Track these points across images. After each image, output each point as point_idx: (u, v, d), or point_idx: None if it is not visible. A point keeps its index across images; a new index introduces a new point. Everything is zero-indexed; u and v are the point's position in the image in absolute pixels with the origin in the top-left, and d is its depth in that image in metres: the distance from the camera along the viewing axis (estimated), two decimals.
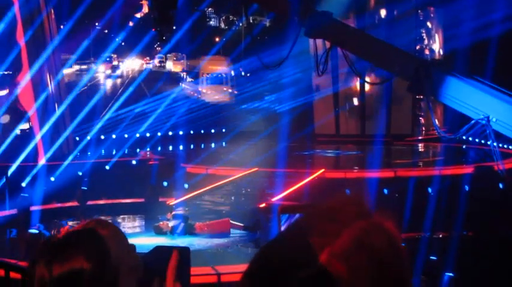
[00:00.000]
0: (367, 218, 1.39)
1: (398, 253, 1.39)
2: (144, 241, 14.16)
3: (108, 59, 59.03)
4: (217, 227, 16.90)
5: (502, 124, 11.87)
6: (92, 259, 2.05)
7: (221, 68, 58.08)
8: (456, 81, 11.77)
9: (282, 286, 1.33)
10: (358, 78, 26.80)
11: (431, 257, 13.80)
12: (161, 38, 15.31)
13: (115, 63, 60.91)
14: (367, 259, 1.33)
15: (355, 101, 34.98)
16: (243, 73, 56.04)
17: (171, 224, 16.45)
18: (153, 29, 15.16)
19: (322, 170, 23.05)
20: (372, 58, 12.62)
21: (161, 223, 16.73)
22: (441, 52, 35.82)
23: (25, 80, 23.37)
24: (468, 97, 12.07)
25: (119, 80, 55.02)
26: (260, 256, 1.43)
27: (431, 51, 36.49)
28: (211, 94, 50.69)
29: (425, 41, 36.63)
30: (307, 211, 1.49)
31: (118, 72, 55.71)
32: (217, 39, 76.64)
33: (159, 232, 16.33)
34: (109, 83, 53.28)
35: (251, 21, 42.71)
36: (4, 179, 19.07)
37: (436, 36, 36.45)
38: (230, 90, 52.20)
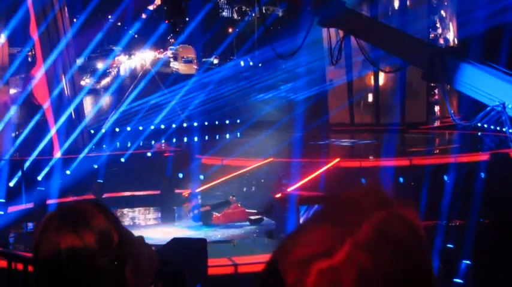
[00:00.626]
0: (388, 207, 1.39)
1: (421, 242, 1.39)
2: (160, 233, 14.20)
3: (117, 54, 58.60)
4: (233, 217, 16.94)
5: None
6: (112, 221, 2.09)
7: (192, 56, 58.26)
8: (471, 68, 11.73)
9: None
10: (372, 67, 26.69)
11: (448, 245, 13.79)
12: (175, 30, 15.32)
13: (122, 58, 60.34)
14: (390, 249, 1.32)
15: (370, 90, 34.91)
16: (251, 63, 56.28)
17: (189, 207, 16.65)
18: (166, 21, 15.15)
19: (338, 159, 23.03)
20: (386, 46, 12.60)
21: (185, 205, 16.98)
22: (455, 39, 35.63)
23: (39, 74, 23.46)
24: (483, 84, 12.03)
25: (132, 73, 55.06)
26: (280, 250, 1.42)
27: (446, 38, 36.31)
28: None
29: (439, 28, 36.43)
30: (326, 202, 1.49)
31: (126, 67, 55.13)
32: (230, 30, 76.58)
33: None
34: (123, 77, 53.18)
35: (264, 11, 42.63)
36: (20, 173, 19.20)
37: (450, 23, 36.25)
38: None
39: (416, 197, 16.39)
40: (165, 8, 14.55)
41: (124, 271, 2.10)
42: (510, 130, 15.95)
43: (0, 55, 24.42)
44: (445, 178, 19.21)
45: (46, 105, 23.53)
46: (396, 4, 33.17)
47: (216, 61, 64.64)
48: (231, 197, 17.71)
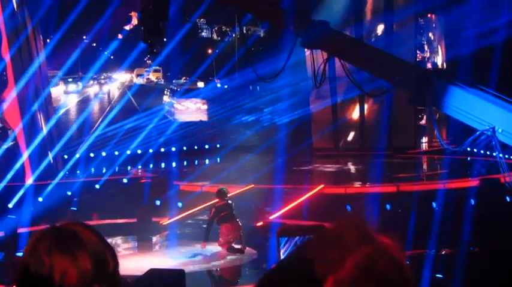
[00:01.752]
0: (371, 243, 1.39)
1: (405, 277, 1.39)
2: (137, 263, 14.09)
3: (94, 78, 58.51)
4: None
5: (508, 135, 11.92)
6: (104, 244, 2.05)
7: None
8: (459, 91, 11.85)
9: None
10: (358, 90, 26.84)
11: (437, 275, 13.80)
12: (152, 51, 15.27)
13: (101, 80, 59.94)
14: (373, 285, 1.33)
15: (355, 114, 35.04)
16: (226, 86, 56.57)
17: None
18: (143, 42, 15.08)
19: (322, 185, 23.08)
20: (371, 68, 12.67)
21: None
22: (443, 61, 35.91)
23: (11, 96, 23.35)
24: (472, 107, 12.14)
25: (107, 96, 55.11)
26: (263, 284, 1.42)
27: (434, 62, 36.58)
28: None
29: (427, 50, 36.70)
30: (308, 237, 1.49)
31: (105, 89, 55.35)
32: (209, 51, 76.87)
33: None
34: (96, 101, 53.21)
35: (245, 31, 42.72)
36: None
37: (438, 44, 36.56)
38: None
39: (403, 225, 16.43)
40: (142, 28, 14.51)
41: None
42: (500, 155, 16.05)
43: None
44: (434, 204, 19.27)
45: (18, 129, 23.40)
46: (382, 25, 33.39)
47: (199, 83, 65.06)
48: None
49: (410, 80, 12.52)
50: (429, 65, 35.87)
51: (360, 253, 1.36)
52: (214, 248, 17.18)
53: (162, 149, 33.11)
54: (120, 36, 56.15)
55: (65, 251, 1.98)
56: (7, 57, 23.47)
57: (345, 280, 1.31)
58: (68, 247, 1.99)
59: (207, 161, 31.99)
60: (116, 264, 2.06)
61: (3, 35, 23.26)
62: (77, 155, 28.74)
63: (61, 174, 24.00)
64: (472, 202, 18.84)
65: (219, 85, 59.54)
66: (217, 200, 17.01)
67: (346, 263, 1.34)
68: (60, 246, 2.00)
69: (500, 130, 11.42)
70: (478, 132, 13.92)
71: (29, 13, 24.44)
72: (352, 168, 30.59)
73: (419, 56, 35.92)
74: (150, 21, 13.95)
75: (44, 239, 2.04)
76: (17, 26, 23.58)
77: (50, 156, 24.24)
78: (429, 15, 35.57)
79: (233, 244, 16.87)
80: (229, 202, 17.08)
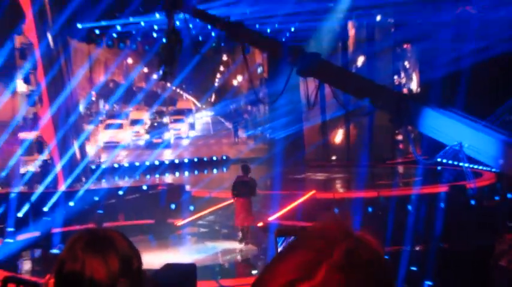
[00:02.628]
0: (351, 236, 1.40)
1: (383, 262, 1.41)
2: (154, 259, 14.11)
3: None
4: None
5: (473, 149, 11.97)
6: (133, 249, 2.10)
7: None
8: (432, 112, 11.90)
9: None
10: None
11: (412, 268, 13.79)
12: (165, 78, 15.22)
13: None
14: (360, 268, 1.35)
15: (342, 129, 35.03)
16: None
17: None
18: (159, 70, 15.02)
19: (313, 191, 23.04)
20: (356, 93, 12.70)
21: None
22: (417, 85, 35.88)
23: (46, 116, 23.43)
24: (443, 126, 12.18)
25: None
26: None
27: (408, 84, 36.54)
28: None
29: (403, 76, 36.70)
30: (299, 233, 1.49)
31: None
32: (218, 75, 76.69)
33: None
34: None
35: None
36: (28, 205, 19.07)
37: (412, 70, 36.54)
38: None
39: (383, 225, 16.44)
40: (159, 58, 14.46)
41: None
42: (466, 165, 16.08)
43: (11, 107, 24.43)
44: (409, 207, 19.25)
45: (52, 144, 23.46)
46: (364, 55, 33.43)
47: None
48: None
49: (390, 105, 12.55)
50: (405, 90, 35.82)
51: (345, 243, 1.37)
52: (221, 245, 17.22)
53: (176, 161, 33.13)
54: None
55: (97, 252, 2.04)
56: (43, 82, 23.56)
57: (337, 264, 1.31)
58: (100, 248, 2.05)
59: (214, 171, 32.00)
60: (140, 263, 2.12)
61: (39, 63, 23.36)
62: (103, 166, 28.79)
63: (89, 182, 24.01)
64: (442, 205, 18.82)
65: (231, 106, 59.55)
66: (242, 174, 17.34)
67: (335, 252, 1.35)
68: (93, 247, 2.05)
69: (466, 145, 11.47)
70: (447, 147, 13.93)
71: (62, 45, 24.52)
72: (339, 176, 30.55)
73: (396, 80, 35.89)
74: (166, 55, 13.93)
75: (80, 240, 2.10)
76: (51, 56, 23.65)
77: (79, 167, 24.29)
78: (405, 46, 35.58)
79: (243, 231, 17.09)
80: (248, 177, 17.22)
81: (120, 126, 44.43)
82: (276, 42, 14.20)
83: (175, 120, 51.00)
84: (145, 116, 50.84)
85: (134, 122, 46.99)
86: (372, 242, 1.41)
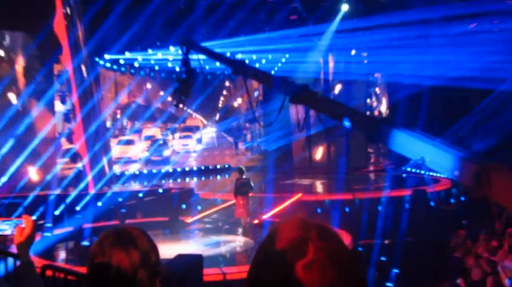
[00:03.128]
0: (315, 227, 1.40)
1: (353, 254, 1.40)
2: (168, 250, 14.05)
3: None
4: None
5: (433, 163, 12.04)
6: (152, 245, 2.11)
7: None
8: (399, 133, 11.93)
9: None
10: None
11: (382, 258, 13.76)
12: (178, 105, 15.07)
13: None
14: (334, 243, 1.35)
15: (324, 142, 34.99)
16: None
17: None
18: (173, 98, 14.83)
19: (300, 194, 23.03)
20: (337, 118, 12.71)
21: None
22: (386, 106, 35.83)
23: (79, 131, 23.40)
24: (408, 144, 12.20)
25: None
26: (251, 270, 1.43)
27: (379, 107, 36.49)
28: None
29: (374, 99, 36.67)
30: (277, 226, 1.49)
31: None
32: (222, 98, 76.71)
33: None
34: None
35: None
36: (64, 205, 19.03)
37: (382, 95, 36.52)
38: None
39: (358, 223, 16.41)
40: (176, 88, 14.33)
41: (156, 283, 2.11)
42: (427, 173, 16.08)
43: (53, 129, 24.39)
44: (379, 208, 19.24)
45: (85, 160, 23.34)
46: (340, 83, 33.38)
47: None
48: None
49: (365, 128, 12.56)
50: (376, 112, 35.80)
51: (315, 229, 1.38)
52: (223, 238, 17.16)
53: (187, 169, 33.09)
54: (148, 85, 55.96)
55: (122, 246, 2.06)
56: (76, 103, 23.54)
57: (318, 243, 1.33)
58: (125, 243, 2.07)
59: (218, 177, 31.94)
60: (157, 256, 2.14)
61: (73, 87, 23.35)
62: (126, 173, 28.74)
63: (115, 186, 23.97)
64: (406, 205, 18.82)
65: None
66: (238, 176, 18.17)
67: (311, 236, 1.36)
68: (119, 242, 2.07)
69: (427, 159, 11.55)
70: (412, 161, 13.95)
71: (92, 71, 24.56)
72: (321, 182, 30.52)
73: (369, 103, 35.94)
74: (182, 87, 13.91)
75: (108, 237, 2.11)
76: (83, 81, 23.69)
77: (108, 175, 24.25)
78: (376, 75, 35.58)
79: (244, 223, 17.78)
80: (244, 178, 18.02)
81: (129, 142, 39.57)
82: (271, 77, 14.27)
83: (185, 137, 48.63)
84: (158, 133, 47.39)
85: (147, 138, 43.37)
86: (331, 228, 1.43)
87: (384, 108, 35.80)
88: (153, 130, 47.83)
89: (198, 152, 45.73)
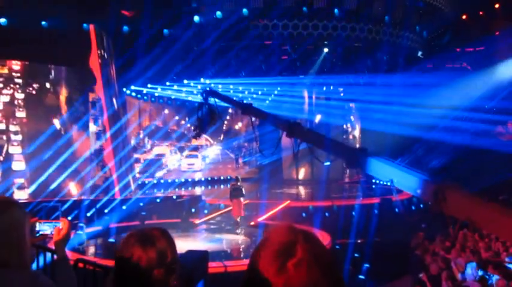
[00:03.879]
0: (302, 232, 1.39)
1: (333, 255, 1.39)
2: (180, 246, 13.95)
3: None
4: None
5: (399, 183, 12.26)
6: (171, 245, 2.05)
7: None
8: (372, 160, 12.14)
9: None
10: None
11: (355, 255, 13.66)
12: (196, 137, 14.96)
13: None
14: (318, 246, 1.34)
15: (309, 158, 34.85)
16: None
17: None
18: (194, 131, 14.69)
19: (288, 201, 22.96)
20: (323, 148, 12.86)
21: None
22: (359, 131, 35.51)
23: (109, 148, 23.31)
24: (379, 169, 12.40)
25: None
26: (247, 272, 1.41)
27: (353, 132, 36.02)
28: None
29: (349, 126, 36.25)
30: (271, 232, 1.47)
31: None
32: (226, 122, 76.66)
33: None
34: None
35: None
36: (94, 208, 18.90)
37: (356, 122, 36.16)
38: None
39: (336, 225, 16.32)
40: (197, 123, 14.36)
41: (170, 280, 2.05)
42: (394, 186, 15.95)
43: (87, 147, 24.29)
44: (353, 213, 19.17)
45: (114, 176, 23.21)
46: (320, 114, 33.29)
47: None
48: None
49: (345, 156, 12.76)
50: (351, 136, 35.44)
51: (301, 234, 1.37)
52: (225, 236, 17.04)
53: (196, 179, 32.95)
54: (166, 111, 55.91)
55: (142, 245, 2.01)
56: (107, 125, 23.50)
57: (304, 244, 1.33)
58: (145, 242, 2.01)
59: (222, 186, 31.81)
60: (174, 256, 2.07)
61: (104, 111, 23.31)
62: (146, 182, 28.58)
63: (139, 193, 23.85)
64: (375, 211, 18.76)
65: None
66: (234, 183, 18.95)
67: (298, 239, 1.35)
68: (140, 241, 2.02)
69: (395, 181, 11.77)
70: (383, 182, 14.04)
71: (120, 98, 24.60)
72: (305, 191, 30.43)
73: (345, 128, 35.76)
74: (201, 124, 14.02)
75: (132, 236, 2.08)
76: (113, 106, 23.73)
77: (133, 186, 24.11)
78: (351, 105, 35.43)
79: (237, 219, 18.08)
80: (239, 185, 18.65)
81: (137, 161, 34.37)
82: (272, 116, 14.58)
83: (191, 156, 41.81)
84: (167, 151, 42.21)
85: (158, 156, 38.85)
86: (314, 234, 1.42)
87: (357, 132, 35.64)
88: (162, 148, 42.70)
89: (204, 170, 39.99)
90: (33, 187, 23.37)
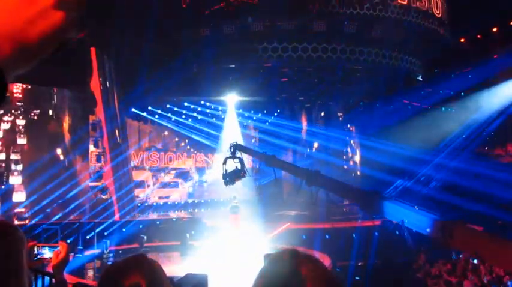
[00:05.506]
0: (305, 256, 1.42)
1: (336, 276, 1.42)
2: (180, 269, 13.79)
3: None
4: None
5: (410, 223, 12.74)
6: (147, 277, 1.97)
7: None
8: (386, 202, 12.57)
9: None
10: None
11: (356, 278, 13.53)
12: (226, 184, 15.38)
13: None
14: (322, 279, 1.36)
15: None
16: None
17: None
18: (225, 181, 15.29)
19: (288, 223, 22.85)
20: (342, 195, 13.40)
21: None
22: (359, 156, 34.53)
23: (108, 173, 23.30)
24: (393, 211, 12.87)
25: None
26: None
27: (354, 157, 35.11)
28: None
29: (349, 150, 35.35)
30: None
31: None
32: None
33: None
34: None
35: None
36: (94, 231, 18.78)
37: (356, 147, 35.23)
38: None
39: (336, 247, 16.20)
40: (227, 176, 14.89)
41: None
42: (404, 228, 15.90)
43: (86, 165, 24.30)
44: (354, 235, 19.03)
45: (114, 198, 23.13)
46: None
47: None
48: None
49: (361, 200, 13.13)
50: (351, 162, 34.57)
51: (305, 261, 1.40)
52: (227, 260, 16.88)
53: (196, 201, 32.76)
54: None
55: (130, 273, 1.94)
56: (106, 146, 23.54)
57: (305, 279, 1.35)
58: (133, 269, 1.95)
59: (222, 208, 31.62)
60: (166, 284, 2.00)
61: (105, 133, 23.37)
62: (146, 204, 28.41)
63: (137, 215, 23.72)
64: (376, 233, 18.63)
65: None
66: (232, 201, 20.88)
67: (302, 270, 1.36)
68: (126, 269, 1.96)
69: (406, 221, 12.15)
70: (395, 222, 14.32)
71: (120, 121, 24.68)
72: (305, 213, 30.27)
73: (345, 156, 34.69)
74: (232, 179, 14.62)
75: (118, 264, 2.02)
76: (113, 128, 23.79)
77: (133, 206, 24.01)
78: (351, 128, 34.97)
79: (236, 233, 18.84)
80: (236, 202, 20.79)
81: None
82: (292, 167, 15.24)
83: (169, 184, 32.36)
84: (149, 177, 31.86)
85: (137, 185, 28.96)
86: (315, 256, 1.47)
87: (357, 158, 34.59)
88: (144, 175, 32.25)
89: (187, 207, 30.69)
90: (31, 211, 23.24)
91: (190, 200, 31.82)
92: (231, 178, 14.43)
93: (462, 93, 26.44)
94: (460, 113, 25.35)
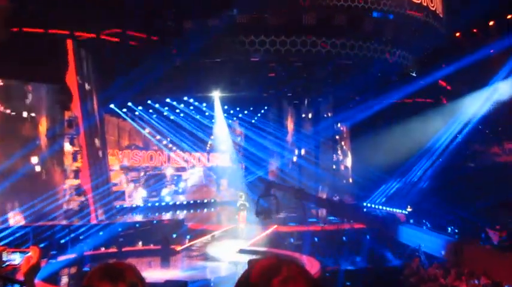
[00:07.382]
0: (290, 262, 1.48)
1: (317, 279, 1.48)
2: (159, 275, 13.75)
3: None
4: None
5: (426, 247, 13.30)
6: (139, 278, 1.99)
7: None
8: (403, 228, 13.15)
9: None
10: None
11: (347, 283, 13.61)
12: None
13: None
14: (302, 277, 1.44)
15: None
16: None
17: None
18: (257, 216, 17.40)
19: (276, 226, 22.88)
20: (360, 222, 14.08)
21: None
22: (351, 160, 34.06)
23: (85, 173, 23.08)
24: (410, 235, 13.45)
25: None
26: None
27: (344, 160, 34.65)
28: None
29: (340, 154, 34.92)
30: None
31: None
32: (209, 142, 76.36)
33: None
34: None
35: None
36: (68, 234, 18.62)
37: (348, 148, 34.86)
38: None
39: (326, 251, 16.29)
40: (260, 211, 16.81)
41: None
42: (383, 208, 16.14)
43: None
44: (344, 238, 19.14)
45: (90, 199, 22.92)
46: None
47: None
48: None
49: (378, 226, 13.70)
50: (342, 166, 34.00)
51: (286, 262, 1.48)
52: (208, 264, 16.87)
53: (178, 202, 32.63)
54: None
55: (110, 280, 1.95)
56: (83, 144, 23.32)
57: (292, 266, 1.46)
58: (114, 277, 1.96)
59: (205, 210, 31.57)
60: None
61: (81, 130, 23.13)
62: (124, 205, 28.16)
63: (115, 218, 23.55)
64: (367, 236, 18.76)
65: None
66: (240, 200, 23.36)
67: (283, 270, 1.44)
68: (108, 275, 1.97)
69: (423, 245, 12.71)
70: (412, 246, 14.67)
71: (98, 117, 24.50)
72: (293, 215, 30.32)
73: (335, 158, 34.20)
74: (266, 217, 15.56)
75: (100, 270, 2.01)
76: (90, 125, 23.57)
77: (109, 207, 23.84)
78: (341, 128, 34.65)
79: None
80: (243, 201, 23.07)
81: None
82: (316, 199, 15.82)
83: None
84: (124, 181, 30.35)
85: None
86: (297, 263, 1.53)
87: (349, 162, 34.10)
88: (119, 178, 30.25)
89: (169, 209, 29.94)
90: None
91: (171, 202, 31.68)
92: (265, 215, 15.93)
93: (456, 90, 26.69)
94: (454, 109, 25.57)
